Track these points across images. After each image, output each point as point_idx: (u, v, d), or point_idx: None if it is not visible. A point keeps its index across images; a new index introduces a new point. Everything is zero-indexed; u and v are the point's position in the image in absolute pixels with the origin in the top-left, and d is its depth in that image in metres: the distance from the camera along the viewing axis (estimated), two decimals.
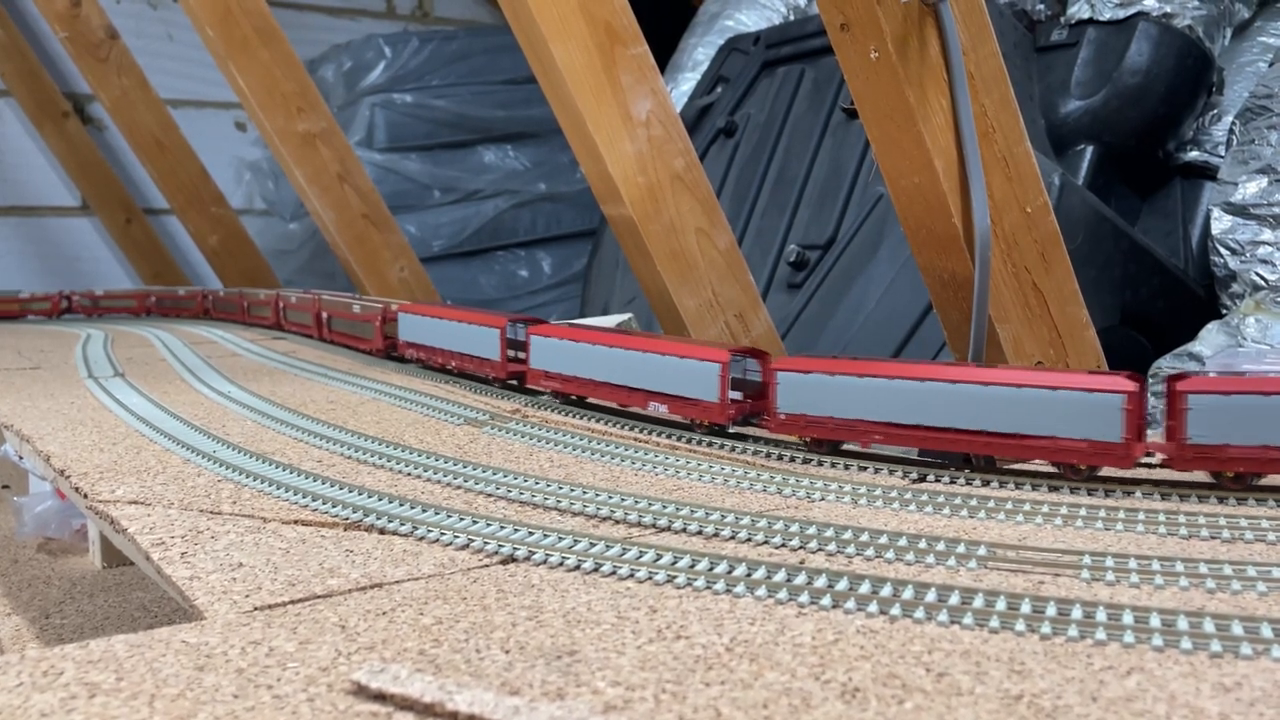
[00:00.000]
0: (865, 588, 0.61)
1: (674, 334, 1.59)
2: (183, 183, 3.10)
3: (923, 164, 1.09)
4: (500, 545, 0.71)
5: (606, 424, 1.14)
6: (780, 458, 0.98)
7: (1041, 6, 2.28)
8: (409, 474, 0.93)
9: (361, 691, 0.48)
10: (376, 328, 1.59)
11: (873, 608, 0.58)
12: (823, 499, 0.84)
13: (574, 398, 1.21)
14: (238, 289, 2.60)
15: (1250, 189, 1.82)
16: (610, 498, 0.82)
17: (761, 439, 1.04)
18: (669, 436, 1.07)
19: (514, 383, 1.32)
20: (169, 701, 0.48)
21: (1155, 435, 0.87)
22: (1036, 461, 0.90)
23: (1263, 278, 1.77)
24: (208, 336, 2.14)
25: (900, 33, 1.03)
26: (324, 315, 1.87)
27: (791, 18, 2.83)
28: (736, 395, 1.02)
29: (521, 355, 1.27)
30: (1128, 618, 0.55)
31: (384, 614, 0.59)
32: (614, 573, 0.65)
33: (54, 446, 1.03)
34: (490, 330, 1.30)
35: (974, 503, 0.80)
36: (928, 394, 0.89)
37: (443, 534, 0.73)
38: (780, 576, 0.63)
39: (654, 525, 0.76)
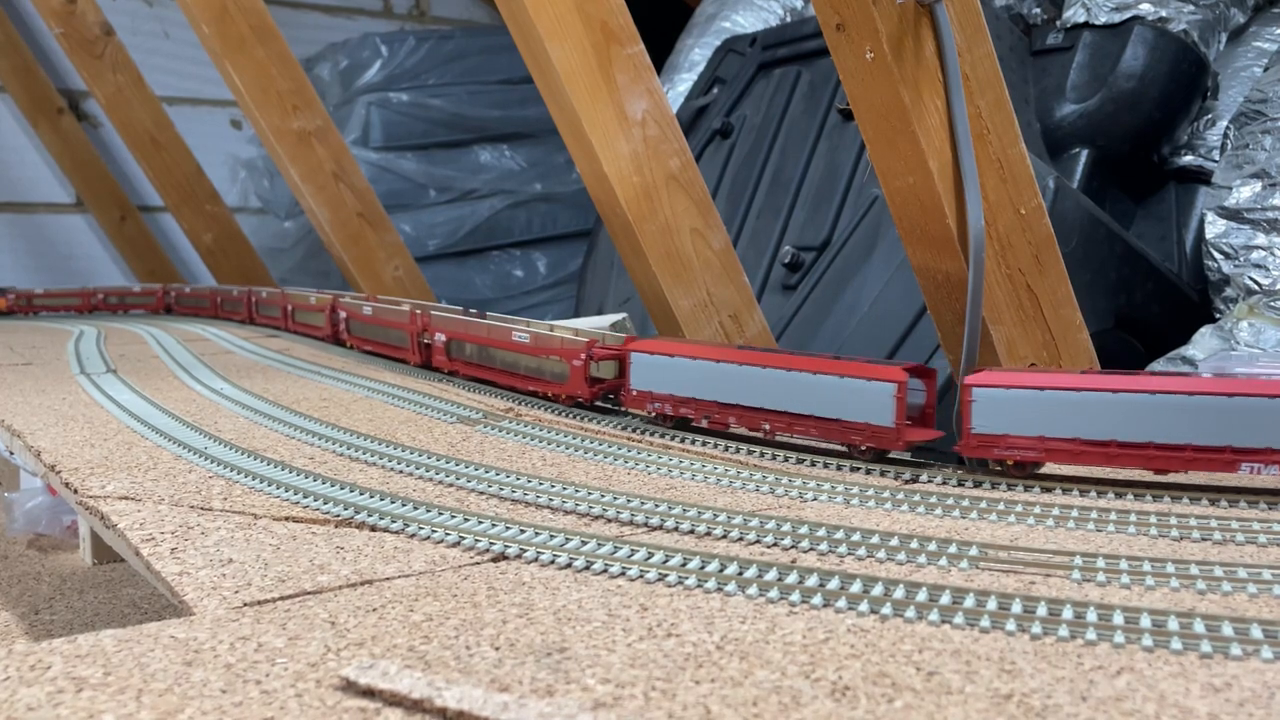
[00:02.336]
0: (856, 587, 0.60)
1: (670, 334, 1.59)
2: (177, 180, 3.09)
3: (917, 164, 1.09)
4: (491, 543, 0.70)
5: (601, 424, 1.13)
6: (773, 457, 0.98)
7: (1037, 10, 2.29)
8: (401, 471, 0.92)
9: (350, 687, 0.48)
10: (577, 367, 1.16)
11: (864, 607, 0.58)
12: (815, 499, 0.84)
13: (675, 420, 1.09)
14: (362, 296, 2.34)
15: (1244, 193, 1.83)
16: (602, 496, 0.82)
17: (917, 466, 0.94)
18: (799, 462, 0.96)
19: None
20: (157, 696, 0.47)
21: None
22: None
23: (1256, 282, 1.77)
24: (201, 334, 2.14)
25: (896, 33, 1.03)
26: (459, 344, 1.41)
27: (788, 19, 2.84)
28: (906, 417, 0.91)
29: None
30: (1118, 618, 0.55)
31: (374, 610, 0.59)
32: (605, 571, 0.65)
33: (45, 442, 1.03)
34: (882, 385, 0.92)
35: (966, 503, 0.80)
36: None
37: (434, 531, 0.73)
38: (771, 575, 0.63)
39: (646, 524, 0.76)
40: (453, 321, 1.37)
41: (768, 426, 0.98)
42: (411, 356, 1.47)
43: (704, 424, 1.05)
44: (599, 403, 1.18)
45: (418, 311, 1.46)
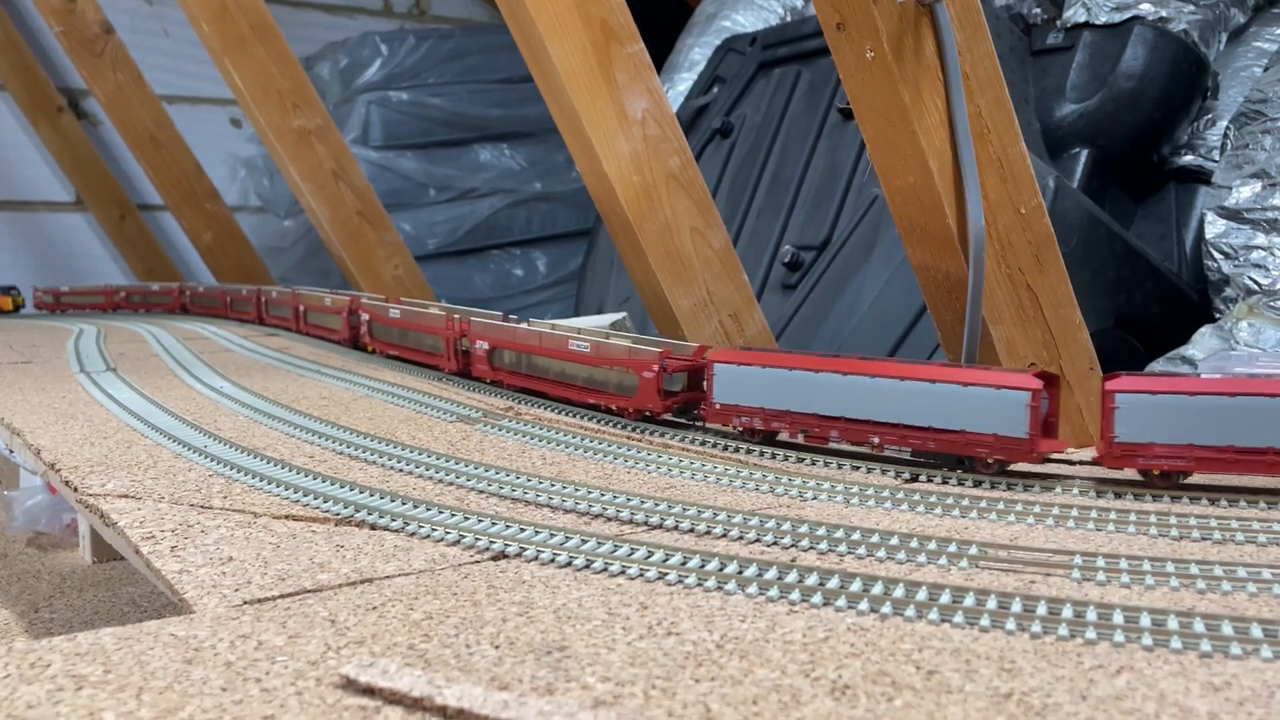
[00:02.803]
0: (856, 586, 0.60)
1: (669, 334, 1.59)
2: (177, 179, 3.09)
3: (917, 164, 1.09)
4: (491, 541, 0.70)
5: (600, 423, 1.13)
6: (774, 456, 0.98)
7: (1037, 10, 2.29)
8: (401, 470, 0.92)
9: (350, 685, 0.48)
10: (648, 379, 1.08)
11: (863, 606, 0.58)
12: (815, 498, 0.84)
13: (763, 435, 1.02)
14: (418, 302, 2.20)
15: (1244, 193, 1.83)
16: (602, 495, 0.82)
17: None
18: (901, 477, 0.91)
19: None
20: (156, 694, 0.47)
21: None
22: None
23: (1256, 282, 1.77)
24: (200, 332, 2.14)
25: (896, 32, 1.03)
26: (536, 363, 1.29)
27: (788, 19, 2.84)
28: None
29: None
30: (1118, 617, 0.55)
31: (374, 609, 0.59)
32: (605, 569, 0.65)
33: (45, 440, 1.03)
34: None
35: (966, 503, 0.80)
36: None
37: (434, 530, 0.73)
38: (771, 574, 0.63)
39: (646, 523, 0.76)
40: (497, 328, 1.28)
41: (876, 440, 0.92)
42: (446, 364, 1.38)
43: (799, 439, 0.98)
44: (665, 416, 1.10)
45: (455, 317, 1.37)
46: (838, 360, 0.95)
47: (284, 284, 2.82)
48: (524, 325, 1.25)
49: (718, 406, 1.02)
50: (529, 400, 1.25)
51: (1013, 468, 0.89)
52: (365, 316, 1.64)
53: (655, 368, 1.06)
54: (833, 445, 0.97)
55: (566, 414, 1.17)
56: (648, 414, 1.10)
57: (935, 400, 0.88)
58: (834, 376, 0.94)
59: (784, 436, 1.00)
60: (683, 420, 1.11)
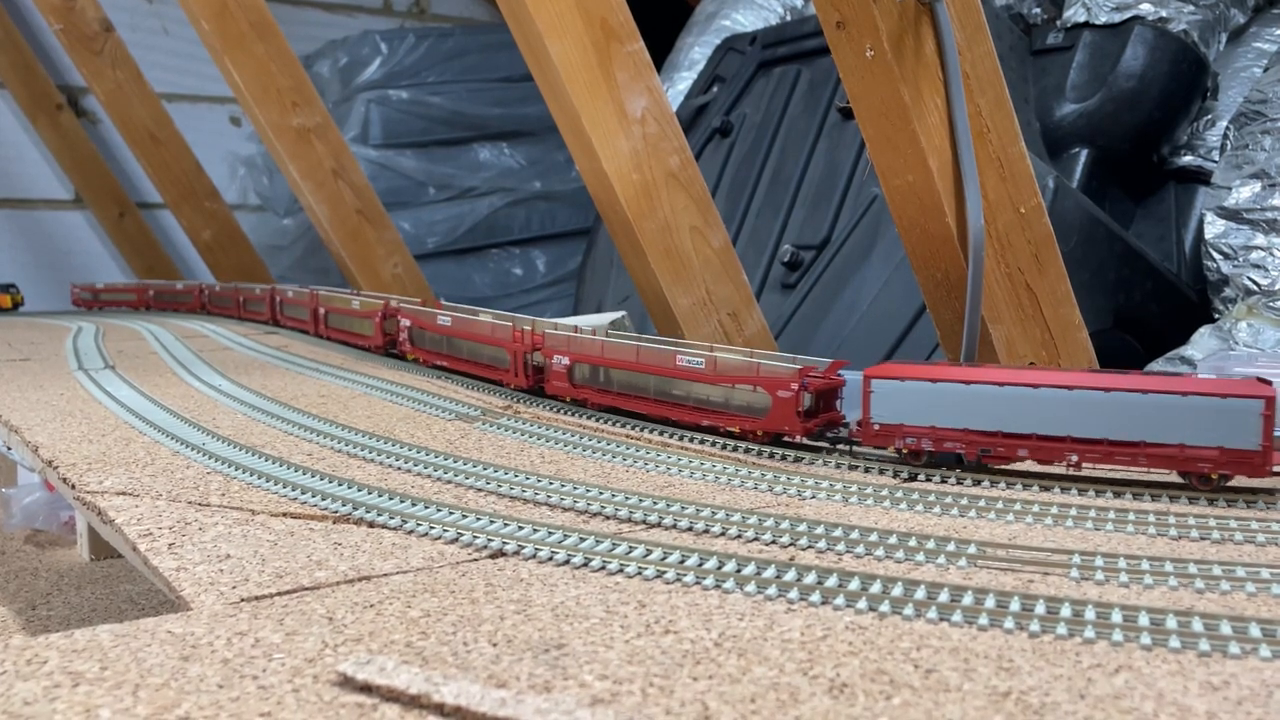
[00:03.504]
0: (855, 584, 0.60)
1: (668, 333, 1.59)
2: (176, 177, 3.09)
3: (917, 163, 1.09)
4: (490, 539, 0.70)
5: (598, 421, 1.13)
6: (771, 455, 0.98)
7: (1037, 10, 2.29)
8: (399, 468, 0.92)
9: (347, 683, 0.48)
10: (785, 399, 0.98)
11: (862, 604, 0.58)
12: (813, 496, 0.84)
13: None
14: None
15: (1244, 194, 1.83)
16: (601, 494, 0.82)
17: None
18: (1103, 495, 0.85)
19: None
20: (153, 691, 0.47)
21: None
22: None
23: (1255, 282, 1.77)
24: (200, 330, 2.14)
25: (896, 31, 1.03)
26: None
27: (788, 18, 2.84)
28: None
29: None
30: (1116, 616, 0.55)
31: (371, 606, 0.59)
32: (603, 568, 0.65)
33: (42, 437, 1.03)
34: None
35: (964, 502, 0.80)
36: None
37: (432, 528, 0.73)
38: (770, 573, 0.62)
39: (644, 521, 0.76)
40: (581, 342, 1.16)
41: (1075, 458, 0.85)
42: (512, 379, 1.25)
43: (977, 459, 0.89)
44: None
45: (526, 328, 1.24)
46: (1026, 372, 0.89)
47: (283, 282, 2.82)
48: (614, 339, 1.14)
49: (876, 427, 0.92)
50: (531, 400, 1.25)
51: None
52: (406, 323, 1.51)
53: (794, 386, 0.95)
54: (1017, 466, 0.90)
55: (566, 413, 1.17)
56: (785, 438, 0.99)
57: (1147, 412, 0.82)
58: (1023, 390, 0.87)
59: (970, 459, 0.91)
60: (822, 443, 0.99)
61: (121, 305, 2.87)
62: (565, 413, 1.17)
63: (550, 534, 0.71)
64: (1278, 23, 2.24)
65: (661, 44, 2.63)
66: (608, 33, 1.47)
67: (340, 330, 1.77)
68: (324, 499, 0.80)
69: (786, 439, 0.99)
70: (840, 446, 0.98)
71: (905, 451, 0.92)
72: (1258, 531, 0.72)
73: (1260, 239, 1.79)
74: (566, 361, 1.17)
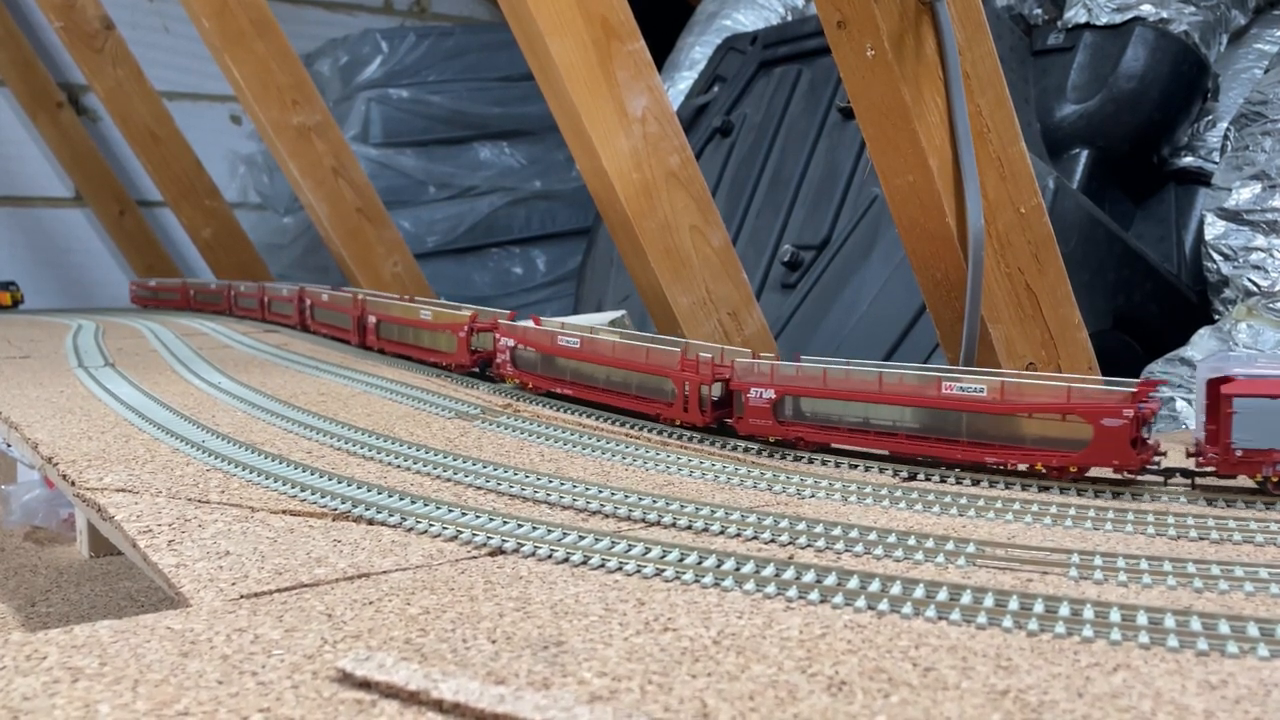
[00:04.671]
0: (854, 583, 0.60)
1: (668, 332, 1.59)
2: (176, 175, 3.09)
3: (917, 162, 1.09)
4: (489, 537, 0.70)
5: (598, 420, 1.13)
6: (770, 454, 0.98)
7: (1038, 11, 2.29)
8: (398, 466, 0.92)
9: (346, 679, 0.48)
10: (1113, 428, 0.84)
11: (860, 603, 0.58)
12: (813, 495, 0.84)
13: None
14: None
15: (1244, 195, 1.83)
16: (600, 492, 0.82)
17: None
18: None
19: None
20: (152, 687, 0.47)
21: None
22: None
23: (1255, 283, 1.77)
24: (199, 328, 2.14)
25: (897, 31, 1.03)
26: None
27: (789, 18, 2.84)
28: None
29: None
30: (1115, 615, 0.55)
31: (371, 603, 0.59)
32: (602, 566, 0.65)
33: (42, 434, 1.03)
34: None
35: (964, 501, 0.80)
36: None
37: (431, 525, 0.73)
38: (769, 571, 0.63)
39: (644, 520, 0.76)
40: (797, 374, 0.99)
41: None
42: (679, 414, 1.06)
43: None
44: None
45: (705, 355, 1.06)
46: None
47: (283, 281, 2.82)
48: (838, 366, 0.98)
49: (1239, 453, 0.81)
50: (528, 398, 1.25)
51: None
52: (509, 342, 1.27)
53: (1127, 413, 0.82)
54: None
55: (565, 411, 1.17)
56: (1125, 470, 0.85)
57: None
58: None
59: None
60: (1147, 476, 0.87)
61: (169, 306, 2.75)
62: (565, 411, 1.17)
63: (549, 532, 0.71)
64: (1278, 24, 2.24)
65: (662, 43, 2.63)
66: (608, 32, 1.47)
67: (400, 343, 1.55)
68: (323, 496, 0.81)
69: (1122, 472, 0.85)
70: (1177, 479, 0.85)
71: (1276, 481, 0.81)
72: (1256, 532, 0.72)
73: (1260, 240, 1.79)
74: (771, 394, 1.00)
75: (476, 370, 1.37)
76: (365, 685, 0.47)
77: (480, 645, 0.52)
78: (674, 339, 1.13)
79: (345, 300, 1.74)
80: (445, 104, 3.33)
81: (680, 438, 1.05)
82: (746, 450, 1.00)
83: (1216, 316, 1.84)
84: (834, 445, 0.98)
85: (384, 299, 1.64)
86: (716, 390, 1.04)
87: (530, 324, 1.26)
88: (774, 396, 1.00)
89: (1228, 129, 1.96)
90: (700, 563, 0.64)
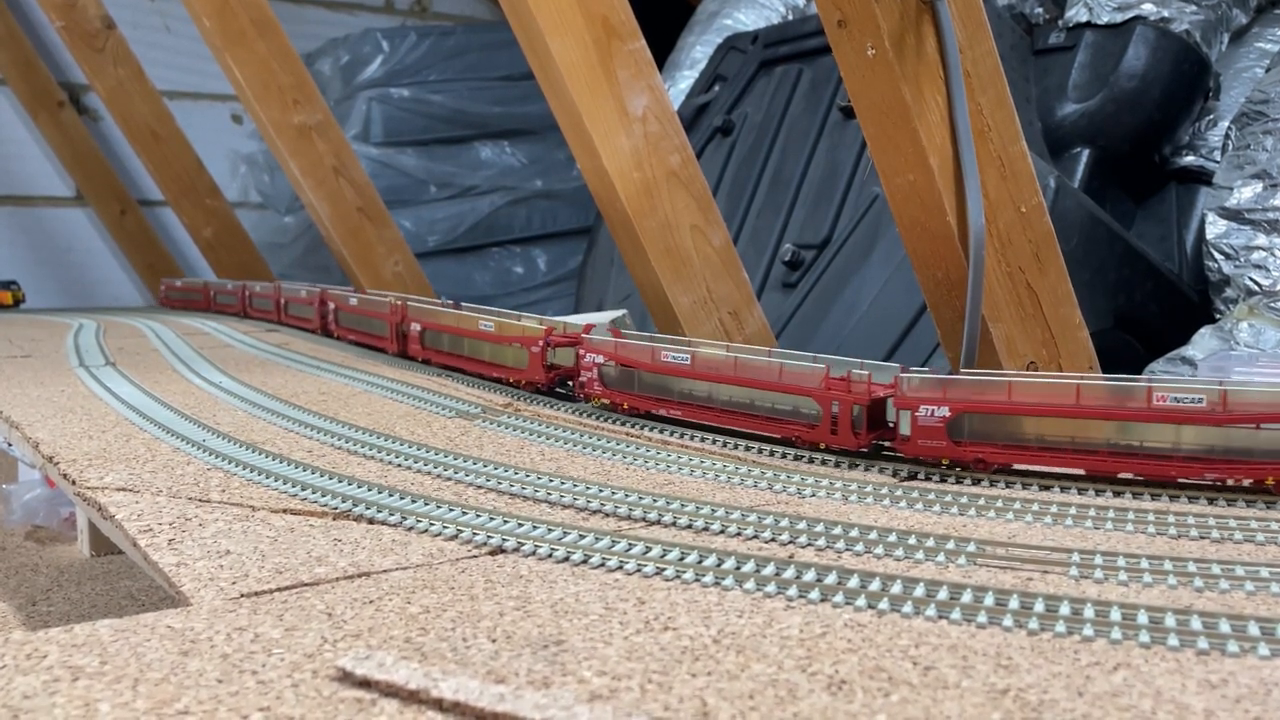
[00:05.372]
0: (854, 582, 0.60)
1: (668, 332, 1.59)
2: (178, 174, 3.09)
3: (918, 161, 1.09)
4: (489, 536, 0.70)
5: (599, 419, 1.13)
6: (771, 454, 0.98)
7: (1039, 10, 2.29)
8: (399, 465, 0.92)
9: (346, 678, 0.48)
10: None
11: (861, 602, 0.58)
12: (813, 495, 0.84)
13: None
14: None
15: (1245, 194, 1.83)
16: (600, 491, 0.82)
17: None
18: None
19: None
20: (153, 685, 0.47)
21: None
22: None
23: (1256, 283, 1.77)
24: (200, 328, 2.14)
25: (897, 30, 1.03)
26: None
27: (790, 17, 2.83)
28: None
29: None
30: (1115, 614, 0.55)
31: (371, 602, 0.59)
32: (603, 565, 0.65)
33: (43, 433, 1.03)
34: None
35: (964, 500, 0.80)
36: None
37: (431, 524, 0.73)
38: (769, 570, 0.63)
39: (644, 519, 0.76)
40: (968, 387, 0.91)
41: None
42: (813, 434, 0.97)
43: None
44: None
45: (857, 372, 0.96)
46: None
47: (283, 280, 2.81)
48: (1025, 378, 0.91)
49: None
50: (528, 397, 1.24)
51: None
52: (596, 358, 1.16)
53: None
54: None
55: (565, 410, 1.17)
56: None
57: None
58: None
59: None
60: None
61: (194, 307, 2.68)
62: (566, 410, 1.17)
63: (550, 531, 0.71)
64: (1279, 23, 2.23)
65: (663, 42, 2.63)
66: (609, 31, 1.47)
67: (451, 354, 1.41)
68: (324, 495, 0.81)
69: None
70: None
71: None
72: (1257, 531, 0.72)
73: (1262, 239, 1.79)
74: (945, 412, 0.91)
75: (551, 389, 1.24)
76: (365, 684, 0.47)
77: (480, 644, 0.52)
78: (815, 355, 1.02)
79: (380, 305, 1.61)
80: (446, 103, 3.33)
81: (681, 436, 1.05)
82: (748, 449, 1.00)
83: (1218, 316, 1.83)
84: (1017, 466, 0.90)
85: (426, 305, 1.52)
86: (900, 418, 0.93)
87: (623, 339, 1.16)
88: (949, 414, 0.91)
89: (1229, 128, 1.96)
90: (700, 562, 0.64)
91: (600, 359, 1.15)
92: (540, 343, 1.22)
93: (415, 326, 1.49)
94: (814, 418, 0.97)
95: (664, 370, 1.09)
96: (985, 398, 0.90)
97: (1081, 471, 0.87)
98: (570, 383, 1.22)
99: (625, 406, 1.14)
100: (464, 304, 1.46)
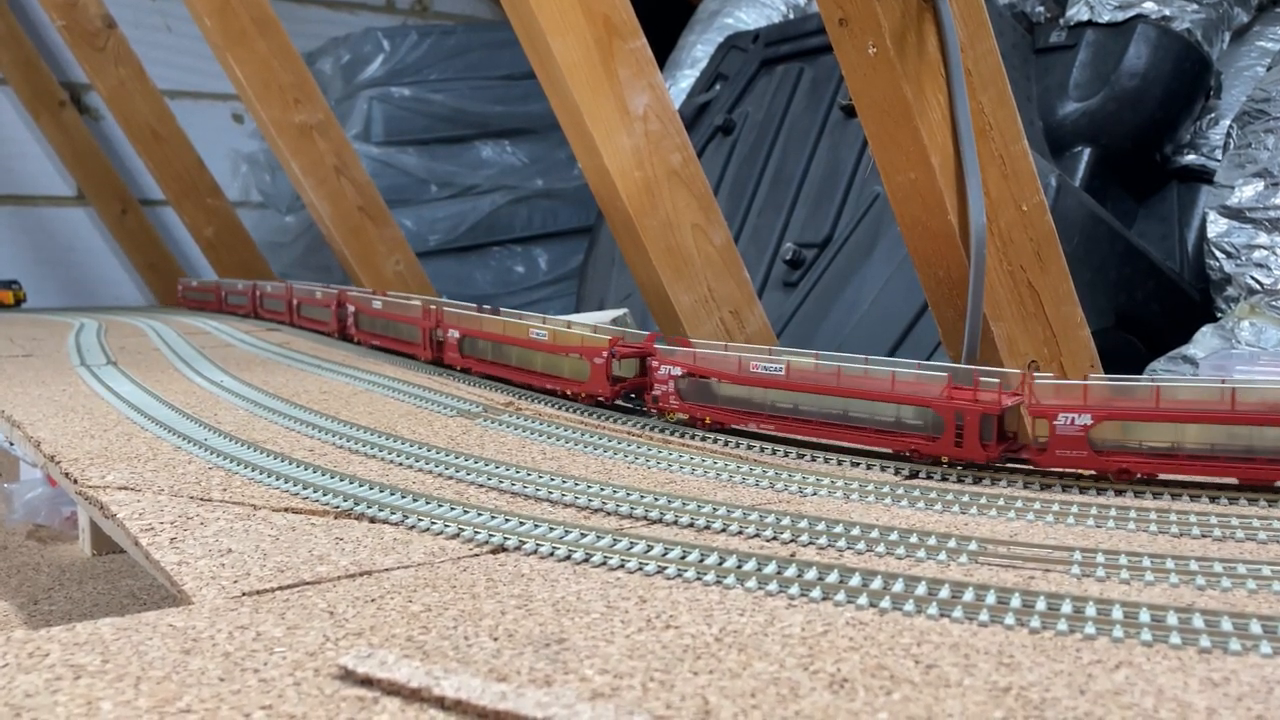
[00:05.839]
0: (855, 580, 0.60)
1: (670, 331, 1.59)
2: (178, 174, 3.10)
3: (919, 160, 1.09)
4: (491, 535, 0.70)
5: (599, 419, 1.13)
6: (773, 453, 0.98)
7: (1041, 8, 2.29)
8: (401, 464, 0.92)
9: (348, 676, 0.48)
10: None
11: (862, 600, 0.58)
12: (815, 494, 0.84)
13: None
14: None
15: (1246, 193, 1.83)
16: (602, 490, 0.82)
17: None
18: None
19: None
20: (155, 684, 0.47)
21: None
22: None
23: (1258, 281, 1.77)
24: (201, 327, 2.14)
25: (898, 28, 1.03)
26: None
27: (791, 16, 2.83)
28: None
29: None
30: (1117, 613, 0.55)
31: (373, 601, 0.59)
32: (604, 563, 0.65)
33: (45, 433, 1.03)
34: None
35: (966, 499, 0.80)
36: None
37: (433, 523, 0.73)
38: (770, 569, 0.63)
39: (645, 518, 0.76)
40: (1112, 393, 0.87)
41: None
42: (934, 446, 0.91)
43: None
44: None
45: (988, 385, 0.90)
46: None
47: (284, 279, 2.81)
48: (1174, 382, 0.86)
49: None
50: (528, 396, 1.25)
51: None
52: (672, 370, 1.08)
53: None
54: None
55: (566, 409, 1.17)
56: None
57: None
58: None
59: None
60: None
61: (208, 308, 2.64)
62: (566, 410, 1.17)
63: (551, 530, 0.71)
64: None
65: (664, 41, 2.63)
66: (610, 30, 1.47)
67: (496, 364, 1.33)
68: (326, 494, 0.81)
69: None
70: None
71: None
72: (1259, 529, 0.72)
73: (1263, 238, 1.79)
74: (1087, 420, 0.86)
75: (615, 402, 1.16)
76: (367, 682, 0.47)
77: (482, 643, 0.52)
78: (941, 365, 0.94)
79: (410, 309, 1.52)
80: (447, 102, 3.33)
81: (682, 436, 1.05)
82: (749, 448, 1.00)
83: (1219, 315, 1.83)
84: (1162, 476, 0.85)
85: (464, 311, 1.41)
86: (996, 420, 0.89)
87: (701, 349, 1.09)
88: (1090, 422, 0.86)
89: (1230, 127, 1.96)
90: (702, 560, 0.64)
91: (678, 371, 1.08)
92: (605, 354, 1.14)
93: (453, 333, 1.40)
94: (926, 428, 0.91)
95: (754, 382, 1.03)
96: (1131, 404, 0.85)
97: (1234, 481, 0.83)
98: (635, 396, 1.16)
99: (707, 421, 1.07)
100: (500, 309, 1.38)
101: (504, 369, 1.31)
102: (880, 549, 0.68)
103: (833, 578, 0.61)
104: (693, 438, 1.04)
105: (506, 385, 1.30)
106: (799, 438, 1.01)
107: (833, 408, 0.98)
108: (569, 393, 1.20)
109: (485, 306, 1.43)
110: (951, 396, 0.90)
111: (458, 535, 0.71)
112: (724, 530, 0.73)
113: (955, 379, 0.91)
